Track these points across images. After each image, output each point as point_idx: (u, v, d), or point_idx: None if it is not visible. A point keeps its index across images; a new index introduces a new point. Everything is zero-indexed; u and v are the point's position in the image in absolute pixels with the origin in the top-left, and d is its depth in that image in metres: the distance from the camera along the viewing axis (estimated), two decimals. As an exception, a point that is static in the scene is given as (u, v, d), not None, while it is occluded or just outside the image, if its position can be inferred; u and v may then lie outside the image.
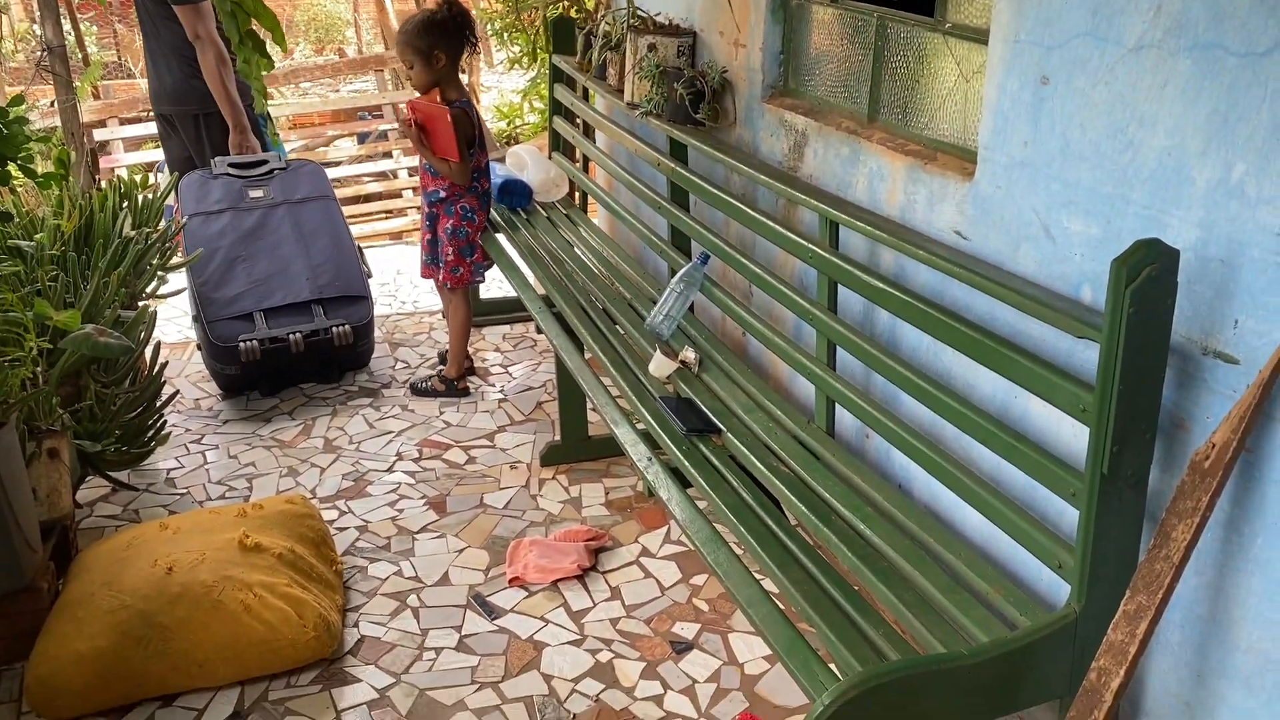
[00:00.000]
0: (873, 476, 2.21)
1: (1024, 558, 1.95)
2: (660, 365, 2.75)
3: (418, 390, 3.82)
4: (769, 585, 1.98)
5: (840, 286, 2.37)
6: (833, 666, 1.74)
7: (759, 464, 2.33)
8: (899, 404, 2.34)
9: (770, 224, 2.61)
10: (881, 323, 2.45)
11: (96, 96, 7.59)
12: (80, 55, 8.57)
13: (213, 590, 2.39)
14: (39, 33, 3.91)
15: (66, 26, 8.74)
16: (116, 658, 2.28)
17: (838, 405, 2.39)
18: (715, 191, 2.89)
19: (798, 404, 2.74)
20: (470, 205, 3.67)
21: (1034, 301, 1.81)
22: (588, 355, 2.99)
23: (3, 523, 2.30)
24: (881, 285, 2.17)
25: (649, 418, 2.54)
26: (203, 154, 4.19)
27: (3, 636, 2.37)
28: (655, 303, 3.06)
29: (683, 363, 2.77)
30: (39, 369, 2.74)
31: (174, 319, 4.57)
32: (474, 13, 3.61)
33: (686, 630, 2.58)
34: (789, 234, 2.49)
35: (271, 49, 2.37)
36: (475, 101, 8.98)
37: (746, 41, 2.98)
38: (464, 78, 9.06)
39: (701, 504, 2.23)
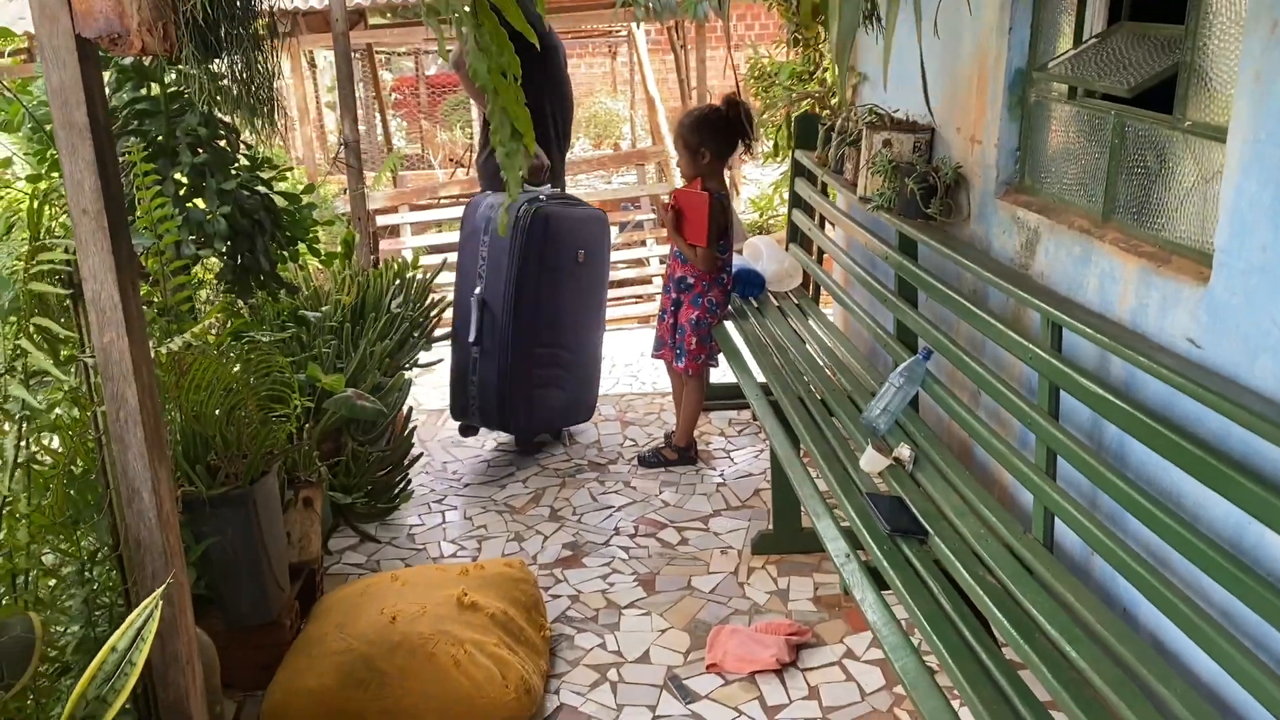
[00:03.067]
0: (1092, 599, 2.06)
1: (1252, 706, 1.75)
2: (872, 460, 2.70)
3: (646, 462, 3.94)
4: (961, 704, 1.89)
5: (1064, 393, 2.25)
6: (1016, 796, 1.63)
7: (964, 571, 2.23)
8: (1125, 523, 2.18)
9: (996, 324, 2.54)
10: (1109, 434, 2.30)
11: (395, 185, 8.48)
12: (386, 146, 9.61)
13: (429, 642, 2.55)
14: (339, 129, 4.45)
15: (375, 120, 9.86)
16: (340, 696, 2.48)
17: (1058, 519, 2.26)
18: (942, 288, 2.84)
19: (1016, 513, 2.61)
20: (716, 299, 3.83)
21: (1269, 423, 1.66)
22: (803, 448, 2.99)
23: (256, 561, 2.58)
24: (1104, 394, 2.05)
25: (853, 514, 2.50)
26: None
27: (249, 665, 2.64)
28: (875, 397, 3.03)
29: (896, 460, 2.70)
30: (304, 425, 3.07)
31: (439, 387, 4.95)
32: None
33: (884, 740, 2.48)
34: (1013, 335, 2.41)
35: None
36: (735, 194, 9.25)
37: (983, 138, 2.93)
38: (727, 171, 9.38)
39: (898, 610, 2.16)
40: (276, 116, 2.68)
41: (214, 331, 2.94)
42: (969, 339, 2.95)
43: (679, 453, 3.95)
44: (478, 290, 3.82)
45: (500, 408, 3.88)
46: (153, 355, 1.90)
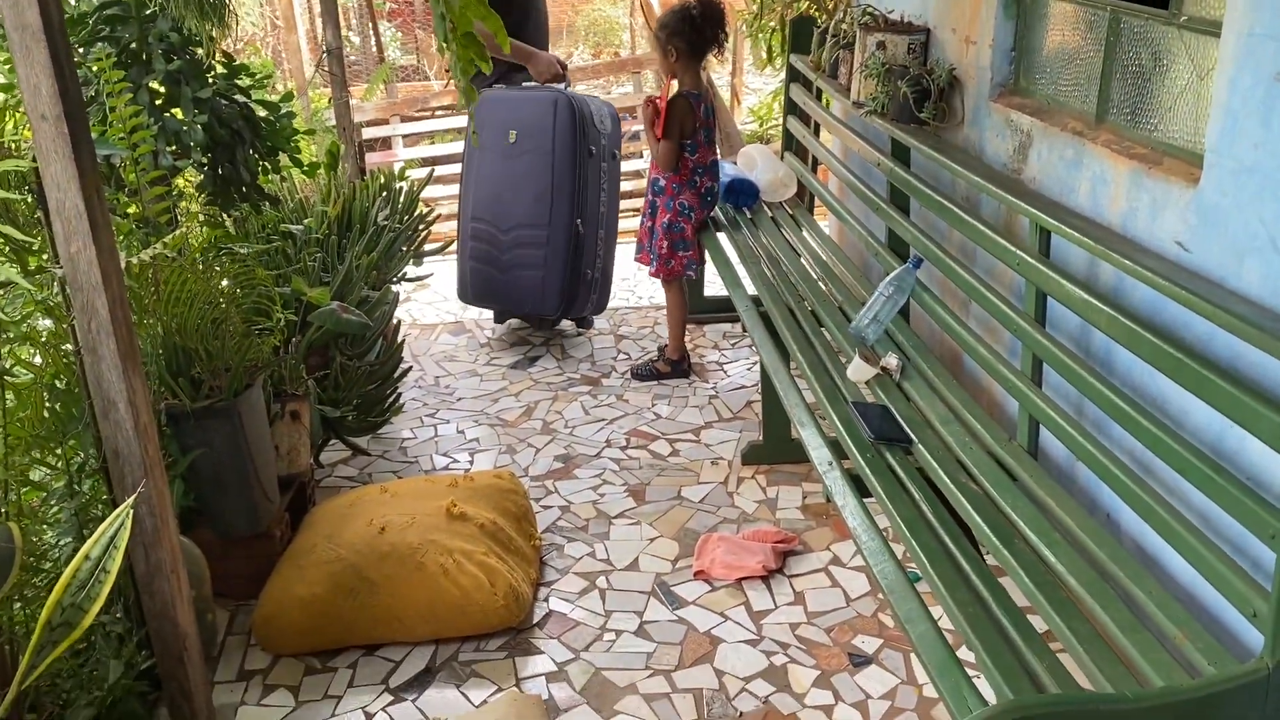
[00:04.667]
0: (1074, 505, 2.06)
1: (1226, 606, 1.76)
2: (859, 369, 2.69)
3: (638, 374, 3.95)
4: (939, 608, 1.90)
5: (1051, 300, 2.23)
6: (989, 694, 1.65)
7: (947, 479, 2.23)
8: (1109, 430, 2.17)
9: (986, 231, 2.50)
10: (1097, 342, 2.28)
11: (387, 96, 8.32)
12: (378, 55, 9.40)
13: (417, 552, 2.57)
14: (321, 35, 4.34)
15: (360, 30, 9.64)
16: (330, 605, 2.51)
17: (1043, 426, 2.25)
18: (934, 195, 2.79)
19: (1002, 421, 2.60)
20: (689, 202, 3.77)
21: (1255, 327, 1.63)
22: (792, 360, 2.97)
23: (244, 473, 2.59)
24: (1091, 299, 2.03)
25: (838, 422, 2.50)
26: None
27: (240, 575, 2.67)
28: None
29: (883, 369, 2.69)
30: (292, 339, 3.05)
31: (432, 302, 4.93)
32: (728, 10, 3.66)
33: (868, 644, 2.51)
34: (1003, 242, 2.37)
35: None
36: (736, 103, 9.06)
37: (978, 38, 2.85)
38: (726, 78, 9.15)
39: (881, 519, 2.17)
40: (227, 18, 2.59)
41: (194, 242, 2.91)
42: (961, 247, 2.91)
43: (671, 365, 3.94)
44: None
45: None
46: (125, 265, 1.88)
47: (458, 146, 8.08)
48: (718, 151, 3.89)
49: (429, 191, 6.77)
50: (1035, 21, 2.66)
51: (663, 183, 3.79)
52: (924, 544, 2.01)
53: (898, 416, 2.50)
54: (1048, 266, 2.18)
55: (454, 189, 7.53)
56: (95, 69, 2.46)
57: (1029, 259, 2.23)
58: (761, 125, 8.20)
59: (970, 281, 2.53)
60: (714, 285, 4.54)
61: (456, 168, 7.82)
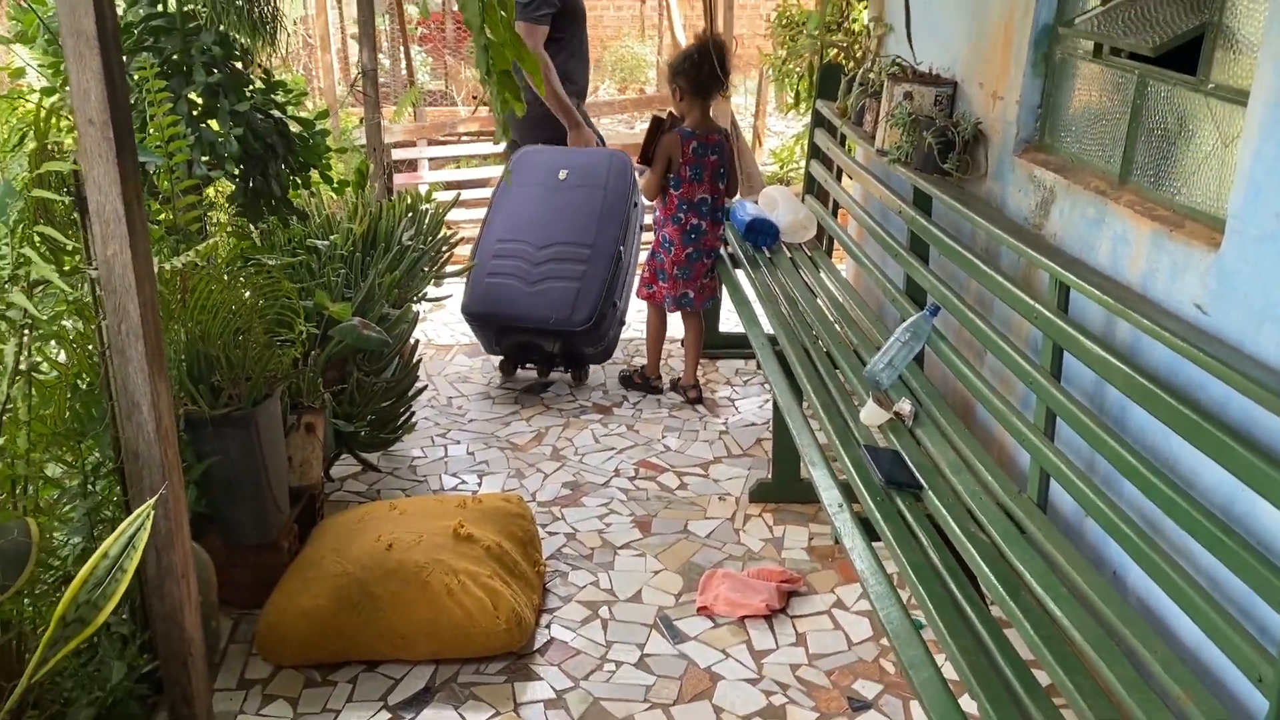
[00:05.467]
0: (1081, 560, 2.07)
1: (1231, 669, 1.76)
2: (872, 414, 2.70)
3: (622, 378, 4.20)
4: (944, 657, 1.91)
5: (1068, 355, 2.24)
6: (988, 746, 1.65)
7: (955, 527, 2.24)
8: (1119, 486, 2.18)
9: (1005, 283, 2.52)
10: (1111, 398, 2.29)
11: (415, 119, 8.42)
12: (409, 79, 9.52)
13: (423, 570, 2.58)
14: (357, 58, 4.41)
15: (391, 53, 9.78)
16: (333, 618, 2.52)
17: (1053, 480, 2.26)
18: (954, 245, 2.82)
19: (1013, 473, 2.61)
20: (670, 236, 3.91)
21: (1271, 392, 1.65)
22: (805, 400, 2.99)
23: (257, 481, 2.61)
24: (1107, 356, 2.04)
25: (849, 465, 2.51)
26: None
27: (246, 584, 2.68)
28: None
29: (896, 414, 2.70)
30: (311, 352, 3.08)
31: (449, 324, 4.97)
32: (737, 52, 3.80)
33: (868, 689, 2.51)
34: (1021, 294, 2.39)
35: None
36: (758, 145, 9.12)
37: (1005, 93, 2.89)
38: (749, 120, 9.20)
39: (889, 564, 2.17)
40: (279, 35, 2.65)
41: (221, 252, 2.95)
42: (978, 297, 2.93)
43: (643, 380, 4.14)
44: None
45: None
46: (156, 271, 1.91)
47: (483, 172, 8.17)
48: (723, 193, 3.96)
49: (452, 215, 6.85)
50: (1063, 80, 2.69)
51: (658, 213, 3.98)
52: (931, 591, 2.02)
53: (909, 462, 2.51)
54: (1066, 322, 2.20)
55: (477, 213, 7.61)
56: (138, 78, 2.51)
57: (1047, 313, 2.25)
58: (782, 167, 8.27)
59: (986, 332, 2.55)
60: (729, 321, 4.57)
61: (480, 193, 7.93)
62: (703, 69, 3.70)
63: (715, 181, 3.88)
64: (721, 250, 4.04)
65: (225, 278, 2.48)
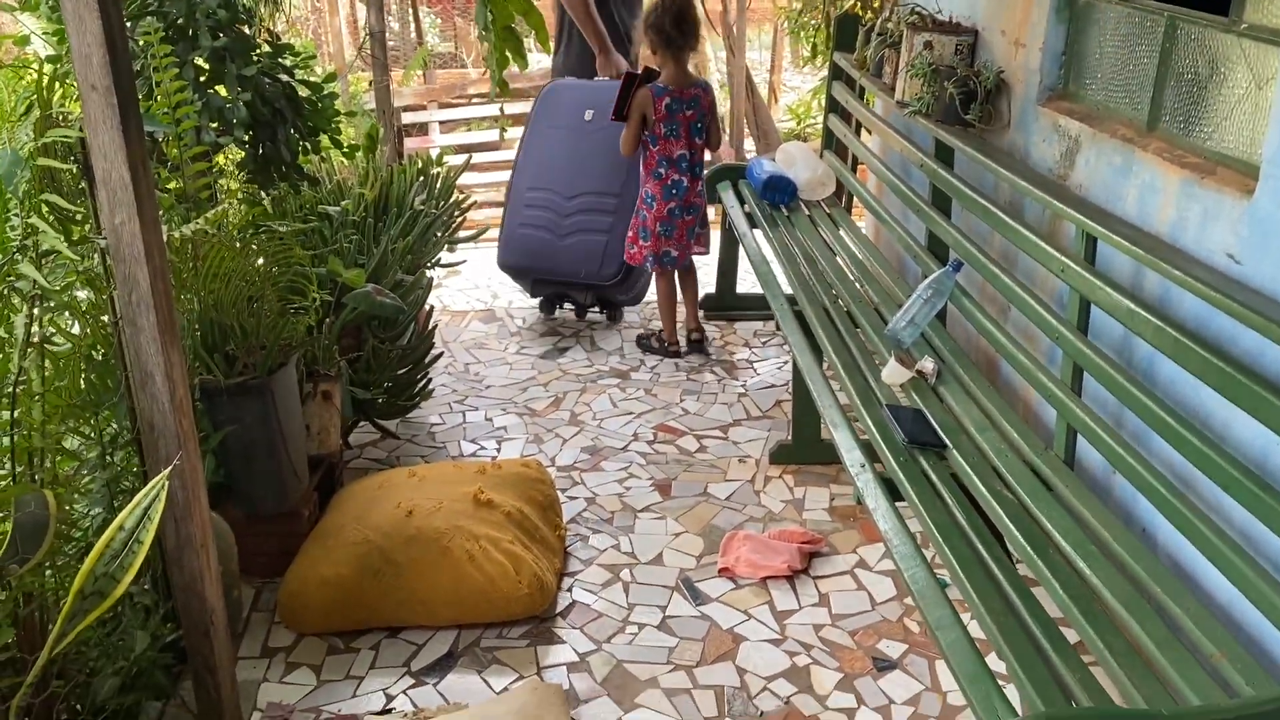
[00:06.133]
0: (1110, 517, 2.03)
1: (1266, 626, 1.72)
2: (894, 373, 2.66)
3: (640, 341, 4.15)
4: (970, 616, 1.88)
5: (1095, 308, 2.19)
6: (1018, 704, 1.63)
7: (981, 486, 2.20)
8: (1149, 441, 2.14)
9: (1030, 236, 2.47)
10: (1140, 351, 2.24)
11: (425, 82, 8.34)
12: (417, 41, 9.44)
13: (443, 536, 2.57)
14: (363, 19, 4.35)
15: (400, 16, 9.68)
16: (355, 585, 2.51)
17: (1081, 436, 2.22)
18: (976, 197, 2.76)
19: (1039, 430, 2.57)
20: (651, 191, 3.88)
21: (1307, 339, 1.60)
22: (825, 360, 2.95)
23: (274, 450, 2.60)
24: (1136, 309, 1.99)
25: (871, 425, 2.47)
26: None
27: (268, 553, 2.68)
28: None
29: (919, 372, 2.66)
30: (326, 319, 3.06)
31: (463, 289, 4.94)
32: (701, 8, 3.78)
33: (892, 649, 2.49)
34: (1046, 247, 2.34)
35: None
36: (768, 98, 9.01)
37: (1027, 40, 2.81)
38: (765, 75, 9.09)
39: (912, 523, 2.15)
40: None
41: (233, 219, 2.93)
42: (1002, 251, 2.88)
43: (660, 344, 4.09)
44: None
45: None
46: (165, 239, 1.88)
47: (494, 135, 8.10)
48: (702, 148, 3.93)
49: (464, 179, 6.79)
50: (1088, 26, 2.62)
51: (640, 170, 3.93)
52: (956, 550, 1.99)
53: (932, 421, 2.47)
54: (1093, 274, 2.15)
55: (489, 176, 7.56)
56: (142, 43, 2.47)
57: (1074, 265, 2.20)
58: (799, 123, 8.17)
59: (1011, 286, 2.50)
60: (746, 281, 4.52)
61: (492, 155, 7.87)
62: (661, 24, 3.67)
63: (693, 136, 3.86)
64: (723, 208, 4.05)
65: (237, 245, 2.45)
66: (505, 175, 7.38)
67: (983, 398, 2.53)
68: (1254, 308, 1.73)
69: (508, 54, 1.89)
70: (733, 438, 3.48)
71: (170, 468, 1.68)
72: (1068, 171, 2.58)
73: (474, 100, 7.64)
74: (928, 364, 2.67)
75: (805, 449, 3.25)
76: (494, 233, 4.48)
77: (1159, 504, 1.89)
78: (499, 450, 3.43)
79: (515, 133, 8.14)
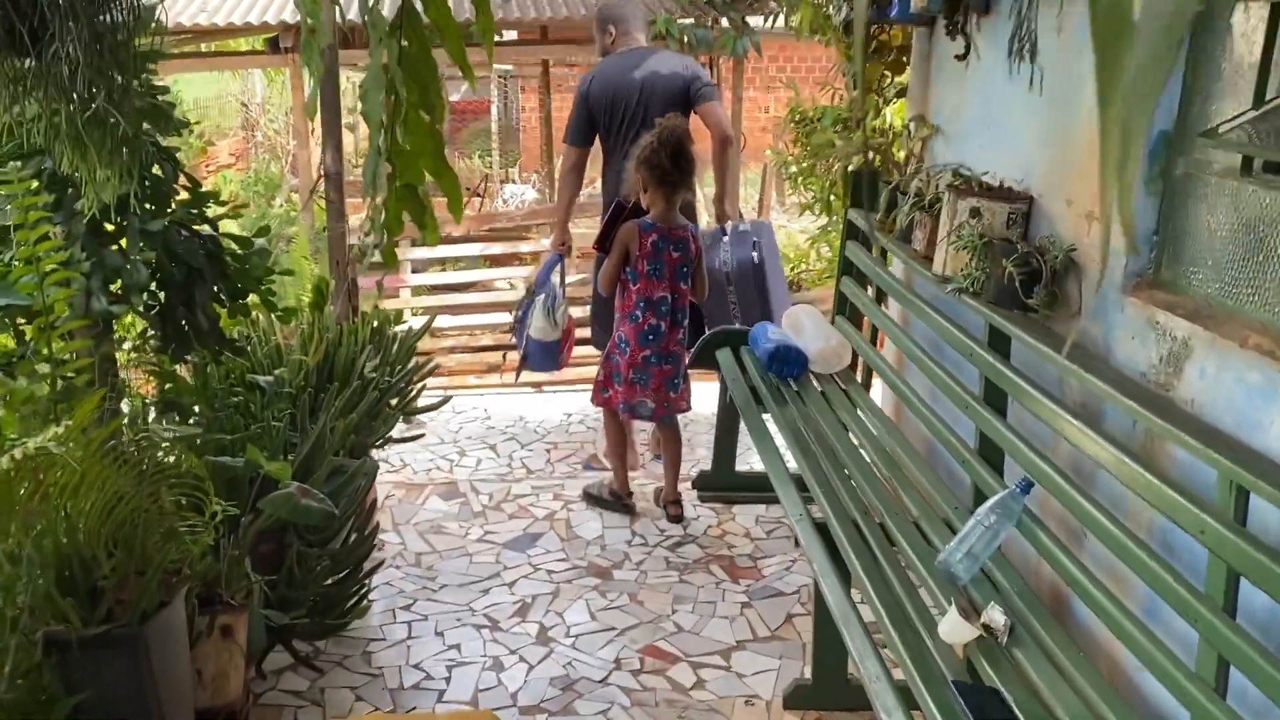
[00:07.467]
0: None
1: None
2: (955, 629, 2.07)
3: (591, 496, 3.81)
4: None
5: (1245, 581, 1.63)
6: None
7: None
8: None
9: (1126, 460, 1.93)
10: (1298, 633, 1.68)
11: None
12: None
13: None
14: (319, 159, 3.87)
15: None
16: None
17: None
18: (1045, 401, 2.24)
19: (1151, 714, 1.98)
20: (626, 335, 3.52)
21: None
22: (855, 591, 2.37)
23: (146, 716, 1.97)
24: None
25: (934, 709, 1.88)
26: None
27: None
28: (950, 527, 2.42)
29: (985, 628, 2.08)
30: (242, 520, 2.46)
31: (427, 446, 4.36)
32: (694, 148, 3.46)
33: None
34: (1183, 501, 1.77)
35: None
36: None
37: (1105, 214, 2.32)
38: (751, 211, 8.77)
39: None
40: (143, 158, 2.01)
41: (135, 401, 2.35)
42: (1075, 467, 2.33)
43: (614, 497, 3.76)
44: None
45: None
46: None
47: (471, 275, 7.63)
48: (686, 294, 3.53)
49: (439, 321, 6.26)
50: (1187, 201, 2.14)
51: (616, 312, 3.59)
52: None
53: (1013, 707, 1.87)
54: (1246, 540, 1.60)
55: (465, 320, 7.05)
56: (3, 193, 1.94)
57: (1218, 525, 1.65)
58: (793, 270, 7.74)
59: (1094, 514, 1.95)
60: (746, 457, 3.97)
61: (469, 297, 7.38)
62: (656, 159, 3.34)
63: (677, 280, 3.46)
64: (721, 379, 3.56)
65: (112, 456, 1.88)
66: (484, 319, 6.92)
67: (1071, 668, 1.94)
68: None
69: (404, 218, 1.39)
70: (736, 667, 2.86)
71: None
72: (1173, 381, 2.06)
73: (452, 237, 7.17)
74: (997, 616, 2.08)
75: (829, 692, 2.63)
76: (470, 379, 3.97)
77: None
78: (448, 680, 2.80)
79: (494, 273, 7.70)
